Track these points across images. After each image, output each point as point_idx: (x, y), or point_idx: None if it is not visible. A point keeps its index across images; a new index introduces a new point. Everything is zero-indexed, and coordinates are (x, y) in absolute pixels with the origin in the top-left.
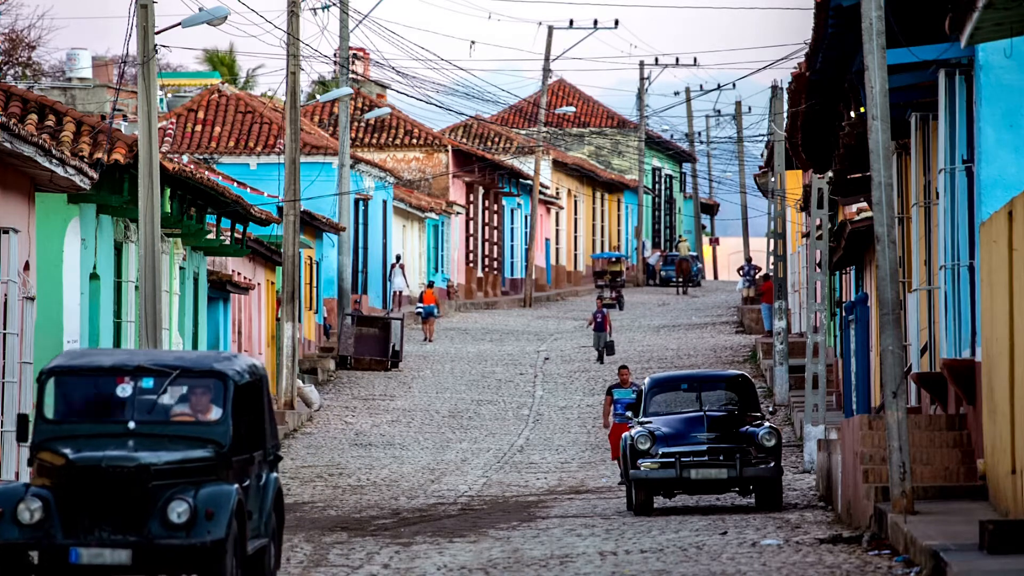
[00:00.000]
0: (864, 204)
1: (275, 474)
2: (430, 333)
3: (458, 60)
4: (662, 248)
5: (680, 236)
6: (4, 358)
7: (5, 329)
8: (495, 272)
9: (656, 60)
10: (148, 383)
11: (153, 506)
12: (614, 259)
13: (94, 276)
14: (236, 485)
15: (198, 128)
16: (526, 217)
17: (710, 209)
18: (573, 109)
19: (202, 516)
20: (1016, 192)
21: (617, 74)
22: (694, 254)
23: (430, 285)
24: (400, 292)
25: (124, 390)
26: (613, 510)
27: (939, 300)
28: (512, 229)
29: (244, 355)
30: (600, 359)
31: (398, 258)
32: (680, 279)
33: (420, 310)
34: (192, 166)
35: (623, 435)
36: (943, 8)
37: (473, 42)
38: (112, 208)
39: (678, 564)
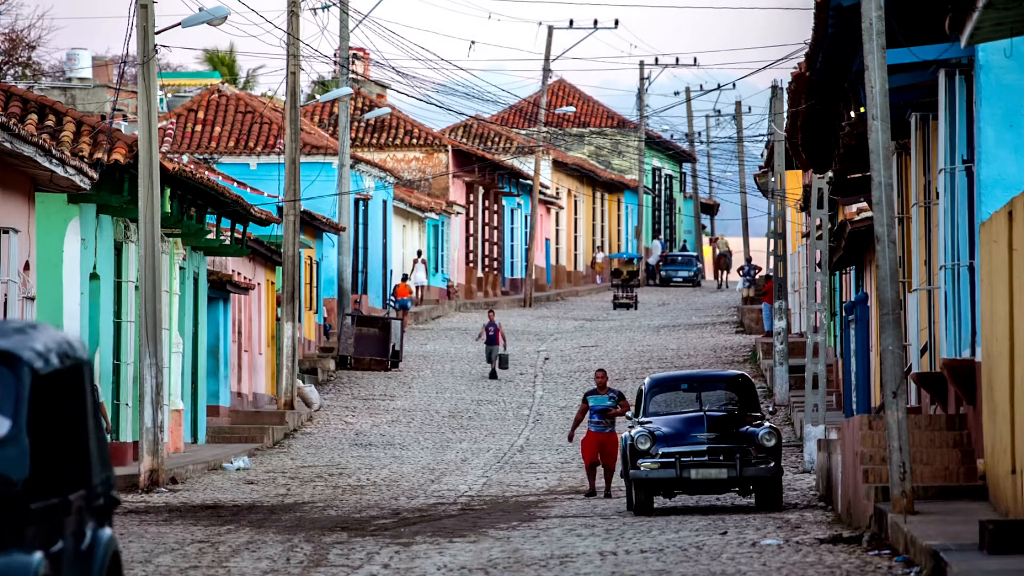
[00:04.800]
0: (864, 204)
1: (108, 530)
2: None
3: (458, 60)
4: (662, 248)
5: (719, 235)
6: None
7: None
8: (495, 272)
9: (656, 60)
10: None
11: None
12: (630, 259)
13: (94, 276)
14: (39, 553)
15: (198, 128)
16: (526, 217)
17: (710, 209)
18: (573, 109)
19: None
20: (1016, 192)
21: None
22: (695, 254)
23: (404, 279)
24: (420, 287)
25: None
26: (613, 510)
27: (939, 300)
28: (512, 229)
29: (50, 327)
30: (492, 375)
31: (419, 253)
32: (719, 274)
33: (392, 303)
34: (192, 166)
35: (622, 436)
36: (943, 8)
37: (473, 42)
38: (112, 208)
39: (678, 564)
